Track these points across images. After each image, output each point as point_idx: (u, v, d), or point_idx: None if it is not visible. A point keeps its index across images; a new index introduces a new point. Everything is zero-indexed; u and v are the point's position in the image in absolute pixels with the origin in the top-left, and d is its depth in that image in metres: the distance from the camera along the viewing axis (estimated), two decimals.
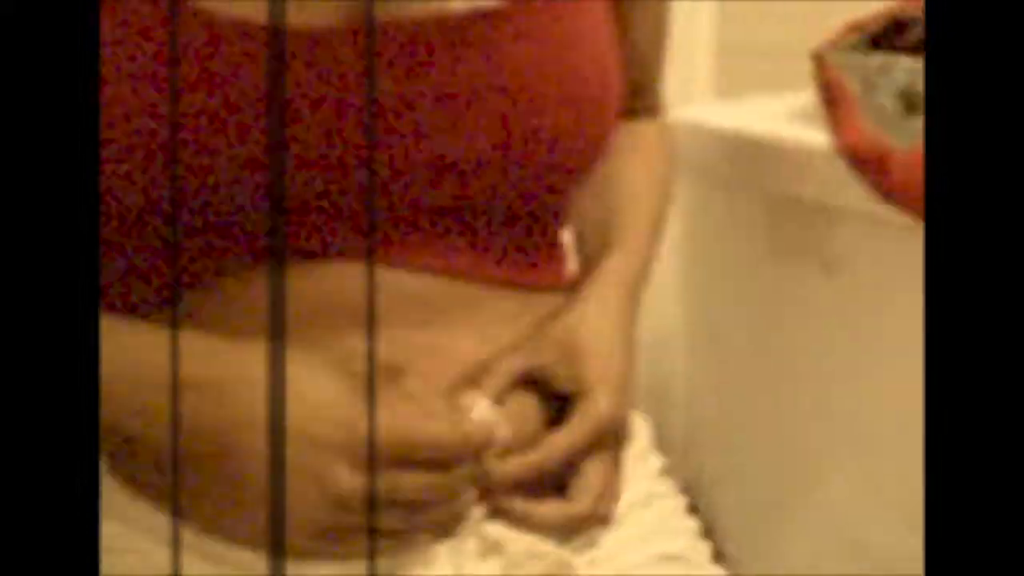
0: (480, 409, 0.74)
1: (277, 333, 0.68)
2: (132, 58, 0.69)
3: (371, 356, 0.69)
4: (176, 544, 0.69)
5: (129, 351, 0.71)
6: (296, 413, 0.67)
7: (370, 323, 0.71)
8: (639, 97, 0.92)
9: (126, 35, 0.70)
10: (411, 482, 0.68)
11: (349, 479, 0.67)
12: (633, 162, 0.91)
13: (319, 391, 0.68)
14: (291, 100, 0.70)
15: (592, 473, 0.75)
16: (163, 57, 0.69)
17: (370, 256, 0.73)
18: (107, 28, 0.70)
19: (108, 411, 0.68)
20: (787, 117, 1.13)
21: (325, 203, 0.72)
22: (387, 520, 0.68)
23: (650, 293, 0.87)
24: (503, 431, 0.73)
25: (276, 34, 0.69)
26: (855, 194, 0.98)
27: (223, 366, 0.69)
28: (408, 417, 0.68)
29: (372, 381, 0.68)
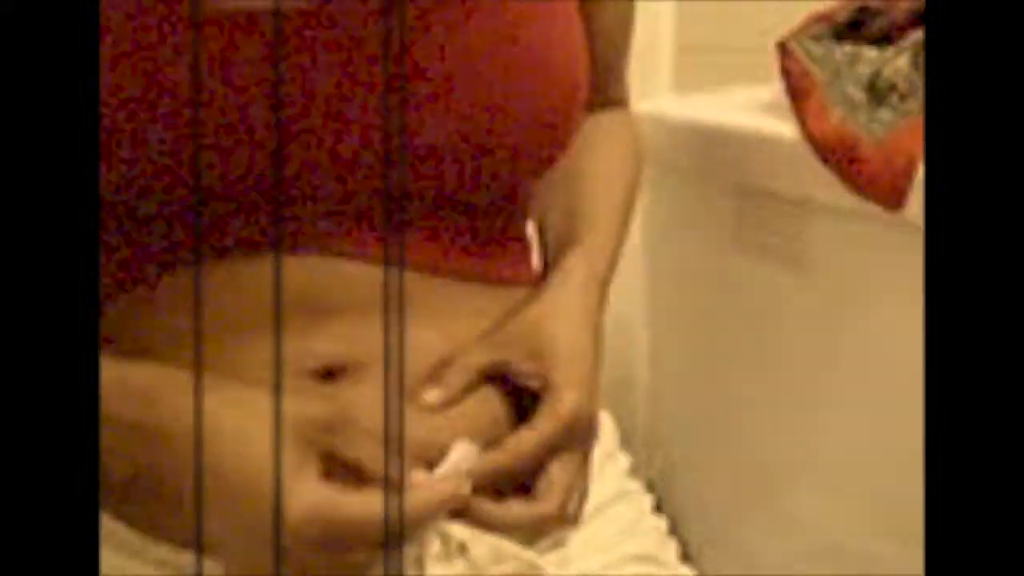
0: (460, 451, 0.71)
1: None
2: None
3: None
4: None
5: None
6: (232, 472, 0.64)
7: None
8: (604, 89, 0.91)
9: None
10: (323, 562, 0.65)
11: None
12: (598, 154, 0.89)
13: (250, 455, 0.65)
14: (233, 84, 0.68)
15: (558, 472, 0.73)
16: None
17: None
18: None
19: None
20: (751, 109, 1.11)
21: (271, 193, 0.70)
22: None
23: (612, 286, 0.85)
24: (465, 488, 0.69)
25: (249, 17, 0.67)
26: (822, 186, 0.97)
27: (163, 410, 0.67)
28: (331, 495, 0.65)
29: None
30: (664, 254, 1.20)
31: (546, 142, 0.76)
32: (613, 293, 0.84)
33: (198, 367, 0.65)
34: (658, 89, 1.64)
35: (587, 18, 0.82)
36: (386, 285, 0.73)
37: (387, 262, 0.73)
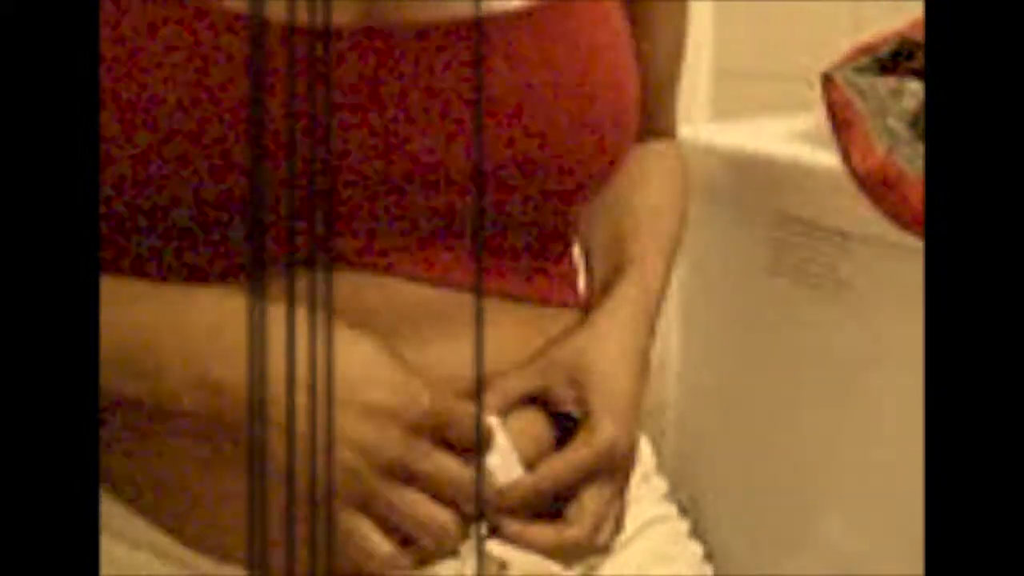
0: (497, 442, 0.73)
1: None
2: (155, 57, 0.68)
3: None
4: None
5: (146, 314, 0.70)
6: (345, 377, 0.66)
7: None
8: (653, 117, 0.91)
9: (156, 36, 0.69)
10: (442, 463, 0.68)
11: (398, 441, 0.67)
12: (647, 184, 0.89)
13: (366, 357, 0.68)
14: (296, 102, 0.68)
15: (589, 500, 0.74)
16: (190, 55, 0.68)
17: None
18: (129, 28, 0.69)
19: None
20: (790, 137, 1.11)
21: (330, 210, 0.71)
22: (412, 508, 0.68)
23: None
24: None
25: (293, 33, 0.67)
26: (862, 216, 0.97)
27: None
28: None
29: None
30: (700, 279, 1.20)
31: (595, 167, 0.76)
32: None
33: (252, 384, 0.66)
34: (696, 116, 1.66)
35: (638, 46, 0.83)
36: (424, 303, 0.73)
37: (449, 284, 0.74)
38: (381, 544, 0.67)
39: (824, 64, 1.05)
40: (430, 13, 0.72)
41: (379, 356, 0.69)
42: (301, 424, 0.65)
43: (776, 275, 1.10)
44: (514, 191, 0.73)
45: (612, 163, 0.78)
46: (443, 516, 0.68)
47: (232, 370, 0.67)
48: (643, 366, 0.79)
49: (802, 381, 1.10)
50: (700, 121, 1.64)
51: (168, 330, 0.69)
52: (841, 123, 0.98)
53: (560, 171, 0.74)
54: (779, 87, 1.60)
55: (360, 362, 0.68)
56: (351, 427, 0.67)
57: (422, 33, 0.71)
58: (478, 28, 0.72)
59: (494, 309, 0.76)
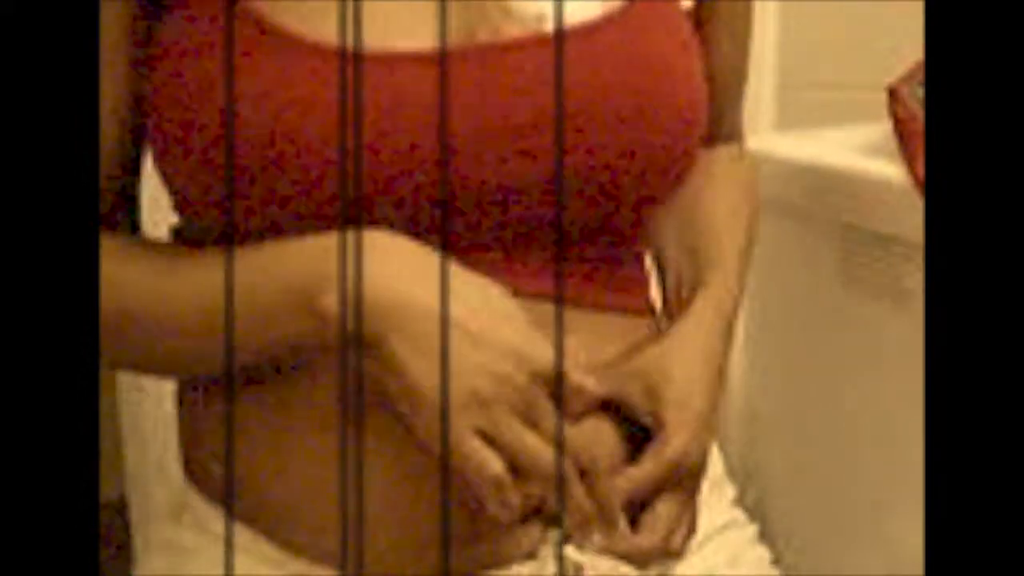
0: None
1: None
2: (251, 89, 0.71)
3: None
4: None
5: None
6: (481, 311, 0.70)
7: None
8: (720, 122, 0.93)
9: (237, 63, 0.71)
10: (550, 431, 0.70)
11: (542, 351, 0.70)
12: (718, 191, 0.90)
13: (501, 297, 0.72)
14: (378, 125, 0.71)
15: (663, 508, 0.76)
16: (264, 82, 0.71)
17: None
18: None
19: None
20: (856, 149, 1.13)
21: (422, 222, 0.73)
22: (533, 447, 0.69)
23: None
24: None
25: (353, 57, 0.70)
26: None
27: None
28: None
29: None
30: (767, 289, 1.22)
31: (666, 175, 0.77)
32: None
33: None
34: (761, 126, 1.67)
35: (706, 53, 0.84)
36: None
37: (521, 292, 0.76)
38: (495, 462, 0.68)
39: (888, 75, 1.07)
40: (512, 31, 0.74)
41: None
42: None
43: (845, 284, 1.11)
44: (588, 200, 0.75)
45: (683, 170, 0.79)
46: (551, 468, 0.70)
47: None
48: (719, 375, 0.81)
49: (867, 388, 1.11)
50: (764, 131, 1.66)
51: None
52: (906, 136, 1.00)
53: (633, 179, 0.75)
54: (843, 96, 1.61)
55: (498, 297, 0.71)
56: (507, 337, 0.70)
57: (506, 48, 0.73)
58: (559, 42, 0.73)
59: (570, 317, 0.77)
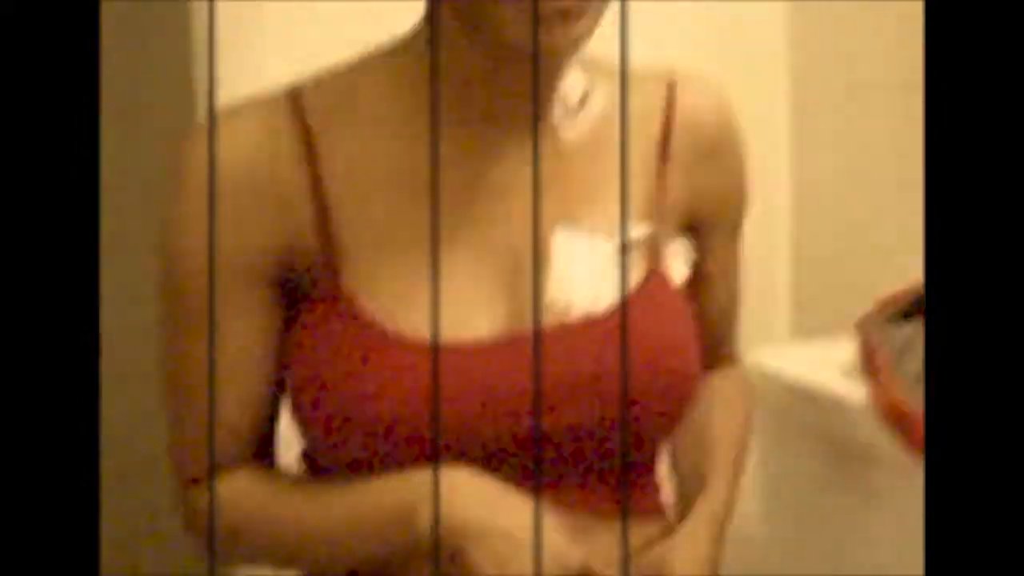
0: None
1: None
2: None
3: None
4: None
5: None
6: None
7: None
8: (717, 350, 1.14)
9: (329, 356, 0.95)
10: None
11: None
12: (715, 415, 1.11)
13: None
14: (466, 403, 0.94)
15: None
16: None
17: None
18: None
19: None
20: (836, 367, 1.35)
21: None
22: None
23: None
24: None
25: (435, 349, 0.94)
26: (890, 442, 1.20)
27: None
28: None
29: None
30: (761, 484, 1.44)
31: (673, 421, 1.00)
32: None
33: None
34: (777, 334, 1.85)
35: (704, 301, 1.07)
36: None
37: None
38: None
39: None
40: (554, 319, 0.96)
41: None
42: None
43: (824, 488, 1.33)
44: (606, 440, 0.98)
45: (682, 409, 1.01)
46: None
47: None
48: (713, 572, 1.01)
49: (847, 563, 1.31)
50: (781, 336, 1.84)
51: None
52: (869, 367, 1.23)
53: (643, 424, 0.98)
54: (857, 304, 1.76)
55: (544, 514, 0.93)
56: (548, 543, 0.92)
57: (550, 336, 0.96)
58: (588, 325, 0.96)
59: (594, 525, 0.98)
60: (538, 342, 0.96)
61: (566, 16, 0.87)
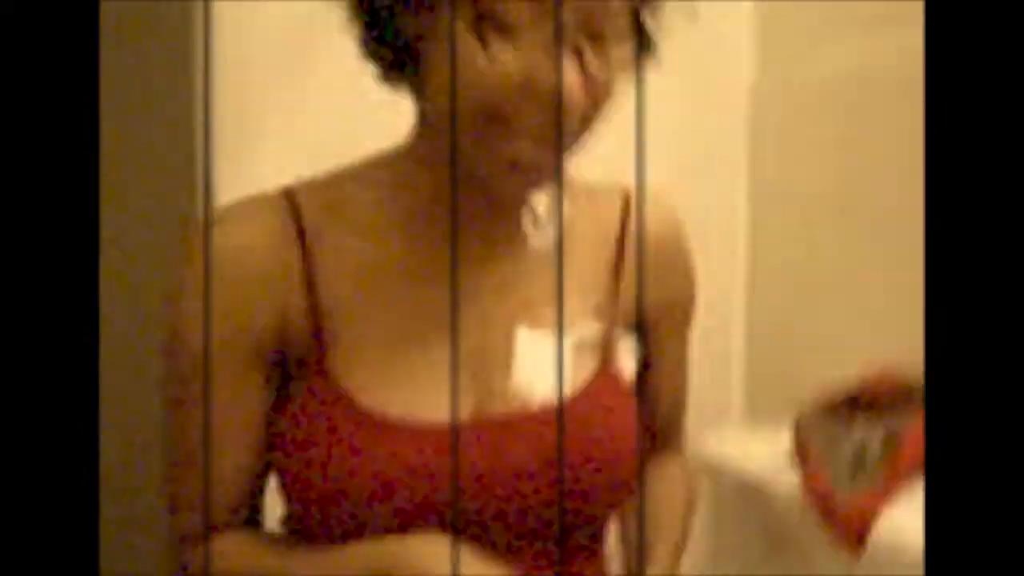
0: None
1: None
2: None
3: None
4: None
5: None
6: None
7: None
8: (665, 436, 1.24)
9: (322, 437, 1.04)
10: None
11: None
12: (663, 490, 1.22)
13: None
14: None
15: None
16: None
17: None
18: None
19: None
20: (774, 457, 1.45)
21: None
22: None
23: None
24: None
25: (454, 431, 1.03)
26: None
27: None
28: None
29: None
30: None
31: (610, 498, 1.09)
32: None
33: None
34: (730, 417, 1.94)
35: (653, 394, 1.18)
36: None
37: None
38: None
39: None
40: (516, 406, 1.06)
41: None
42: None
43: (767, 563, 1.44)
44: (550, 522, 1.07)
45: (624, 492, 1.10)
46: None
47: None
48: None
49: None
50: (734, 421, 1.94)
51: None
52: (801, 457, 1.34)
53: (586, 505, 1.08)
54: (809, 388, 1.81)
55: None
56: None
57: (509, 423, 1.05)
58: (560, 417, 1.05)
59: None
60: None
61: (517, 167, 0.97)
